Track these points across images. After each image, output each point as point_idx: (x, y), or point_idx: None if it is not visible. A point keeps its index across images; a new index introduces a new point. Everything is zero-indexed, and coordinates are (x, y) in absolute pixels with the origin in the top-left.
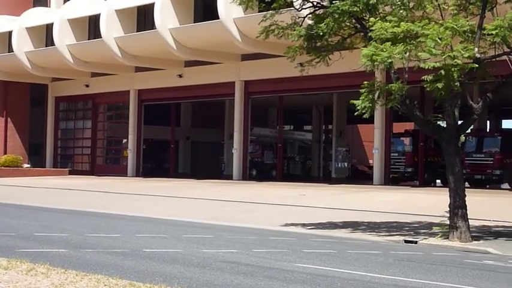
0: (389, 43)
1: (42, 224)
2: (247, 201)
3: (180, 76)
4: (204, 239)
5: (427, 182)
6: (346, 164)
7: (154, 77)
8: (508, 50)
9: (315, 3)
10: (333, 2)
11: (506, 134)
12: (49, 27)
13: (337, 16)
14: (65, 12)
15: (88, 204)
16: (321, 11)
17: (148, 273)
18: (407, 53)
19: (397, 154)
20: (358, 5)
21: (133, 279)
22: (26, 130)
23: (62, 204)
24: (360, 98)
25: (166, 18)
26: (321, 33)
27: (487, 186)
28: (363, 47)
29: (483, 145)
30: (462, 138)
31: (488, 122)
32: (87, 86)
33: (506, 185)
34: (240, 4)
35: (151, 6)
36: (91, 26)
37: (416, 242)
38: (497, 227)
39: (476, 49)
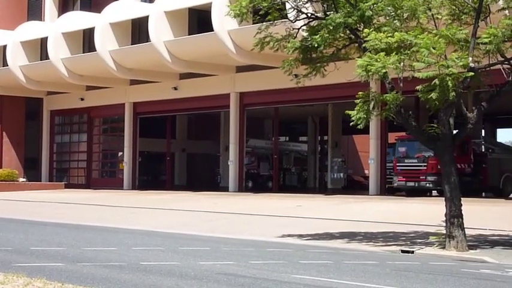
0: (384, 53)
1: (38, 238)
2: (243, 213)
3: (175, 88)
4: (200, 251)
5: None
6: (342, 174)
7: (150, 90)
8: (502, 59)
9: (309, 15)
10: (327, 13)
11: None
12: (43, 41)
13: (331, 28)
14: (60, 26)
15: (84, 218)
16: (315, 23)
17: (145, 286)
18: (402, 63)
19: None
20: (352, 17)
21: None
22: (21, 144)
23: (58, 218)
24: (355, 109)
25: (160, 31)
26: (316, 45)
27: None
28: (358, 57)
29: (415, 149)
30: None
31: (483, 130)
32: (82, 99)
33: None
34: (234, 17)
35: (145, 19)
36: (85, 40)
37: (413, 252)
38: (494, 235)
39: (470, 58)
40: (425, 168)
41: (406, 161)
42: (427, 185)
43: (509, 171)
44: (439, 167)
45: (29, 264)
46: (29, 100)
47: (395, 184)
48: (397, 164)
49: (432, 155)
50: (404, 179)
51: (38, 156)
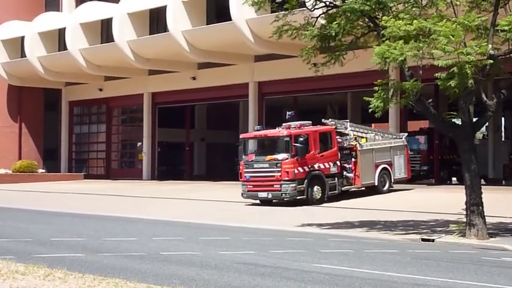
0: (402, 41)
1: (58, 228)
2: None
3: (194, 78)
4: (220, 240)
5: (442, 180)
6: None
7: (168, 80)
8: None
9: (327, 3)
10: (345, 1)
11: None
12: (61, 32)
13: (348, 15)
14: (77, 17)
15: (104, 208)
16: (333, 11)
17: (166, 276)
18: (420, 51)
19: (412, 152)
20: (369, 3)
21: (151, 282)
22: (40, 135)
23: (78, 208)
24: (374, 96)
25: (178, 20)
26: (334, 33)
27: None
28: (376, 45)
29: (265, 150)
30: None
31: (503, 118)
32: (100, 89)
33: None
34: (252, 5)
35: (163, 9)
36: (103, 30)
37: (433, 240)
38: None
39: (489, 45)
40: (279, 174)
41: (255, 165)
42: (282, 195)
43: (386, 163)
44: (295, 171)
45: (50, 255)
46: (48, 91)
47: (245, 195)
48: (245, 170)
49: (287, 157)
50: (254, 189)
51: (57, 147)
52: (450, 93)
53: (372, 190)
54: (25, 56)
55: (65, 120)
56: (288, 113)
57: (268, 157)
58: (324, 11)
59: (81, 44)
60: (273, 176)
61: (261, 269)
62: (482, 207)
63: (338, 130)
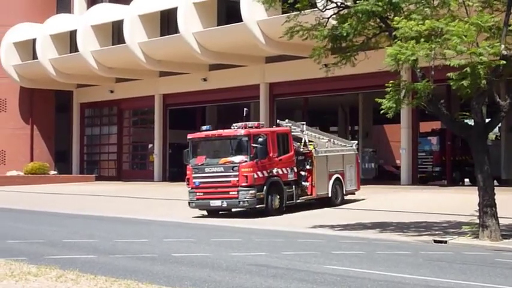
0: (414, 41)
1: (70, 230)
2: None
3: (205, 80)
4: (232, 242)
5: (455, 181)
6: (373, 164)
7: (179, 81)
8: None
9: (338, 4)
10: (357, 2)
11: None
12: (73, 34)
13: (360, 15)
14: (89, 19)
15: (115, 210)
16: (345, 11)
17: (178, 278)
18: (433, 51)
19: (424, 153)
20: (380, 3)
21: (163, 284)
22: (52, 137)
23: (89, 210)
24: (386, 97)
25: (189, 22)
26: (345, 34)
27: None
28: (388, 46)
29: (219, 152)
30: (492, 136)
31: None
32: (111, 91)
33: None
34: (263, 3)
35: (174, 11)
36: (115, 32)
37: (446, 242)
38: None
39: (502, 46)
40: (236, 179)
41: (207, 170)
42: (240, 203)
43: (338, 173)
44: (255, 176)
45: (62, 257)
46: (59, 93)
47: (193, 204)
48: (194, 175)
49: (245, 160)
50: (205, 197)
51: (69, 149)
52: (463, 94)
53: (323, 202)
54: (37, 58)
55: (76, 122)
56: (244, 109)
57: (223, 160)
58: (335, 11)
59: (93, 46)
60: (229, 181)
61: (273, 270)
62: (495, 208)
63: (293, 133)
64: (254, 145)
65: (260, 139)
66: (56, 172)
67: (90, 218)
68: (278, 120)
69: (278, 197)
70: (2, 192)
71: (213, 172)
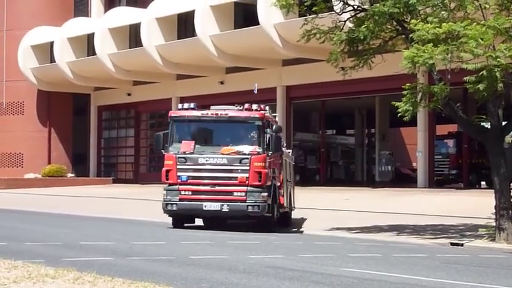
0: (431, 44)
1: (87, 232)
2: None
3: (222, 83)
4: (249, 244)
5: (471, 184)
6: (389, 167)
7: (196, 84)
8: None
9: (355, 7)
10: (374, 4)
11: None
12: (90, 37)
13: (377, 18)
14: (106, 22)
15: (132, 212)
16: (361, 14)
17: (195, 280)
18: (449, 54)
19: (441, 156)
20: (398, 5)
21: (180, 286)
22: (69, 140)
23: (106, 212)
24: (403, 100)
25: (206, 25)
26: (362, 37)
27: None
28: (405, 49)
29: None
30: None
31: None
32: (129, 94)
33: None
34: (281, 8)
35: (191, 14)
36: (132, 35)
37: (462, 245)
38: None
39: None
40: (245, 176)
41: (200, 161)
42: (249, 208)
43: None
44: (269, 174)
45: (79, 259)
46: (77, 96)
47: (174, 206)
48: (180, 167)
49: (258, 151)
50: (196, 197)
51: (86, 152)
52: (479, 97)
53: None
54: (54, 61)
55: (93, 125)
56: (255, 84)
57: (226, 149)
58: (352, 14)
59: (110, 49)
60: (235, 178)
61: (289, 272)
62: None
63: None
64: (270, 133)
65: (276, 126)
66: (73, 175)
67: (107, 220)
68: (248, 105)
69: (275, 205)
70: (20, 195)
71: (211, 164)
